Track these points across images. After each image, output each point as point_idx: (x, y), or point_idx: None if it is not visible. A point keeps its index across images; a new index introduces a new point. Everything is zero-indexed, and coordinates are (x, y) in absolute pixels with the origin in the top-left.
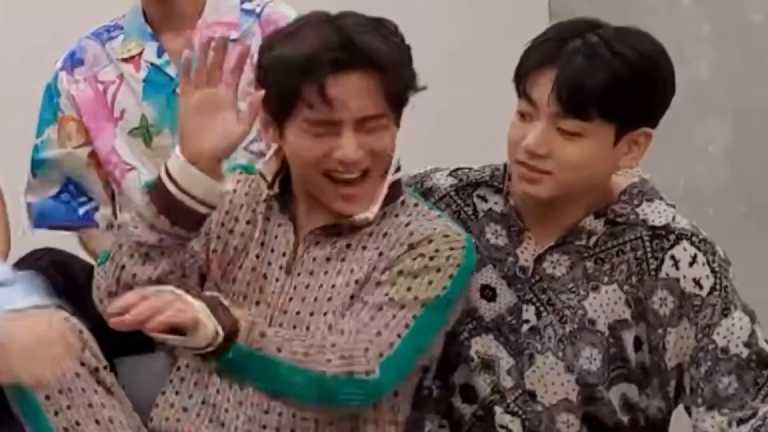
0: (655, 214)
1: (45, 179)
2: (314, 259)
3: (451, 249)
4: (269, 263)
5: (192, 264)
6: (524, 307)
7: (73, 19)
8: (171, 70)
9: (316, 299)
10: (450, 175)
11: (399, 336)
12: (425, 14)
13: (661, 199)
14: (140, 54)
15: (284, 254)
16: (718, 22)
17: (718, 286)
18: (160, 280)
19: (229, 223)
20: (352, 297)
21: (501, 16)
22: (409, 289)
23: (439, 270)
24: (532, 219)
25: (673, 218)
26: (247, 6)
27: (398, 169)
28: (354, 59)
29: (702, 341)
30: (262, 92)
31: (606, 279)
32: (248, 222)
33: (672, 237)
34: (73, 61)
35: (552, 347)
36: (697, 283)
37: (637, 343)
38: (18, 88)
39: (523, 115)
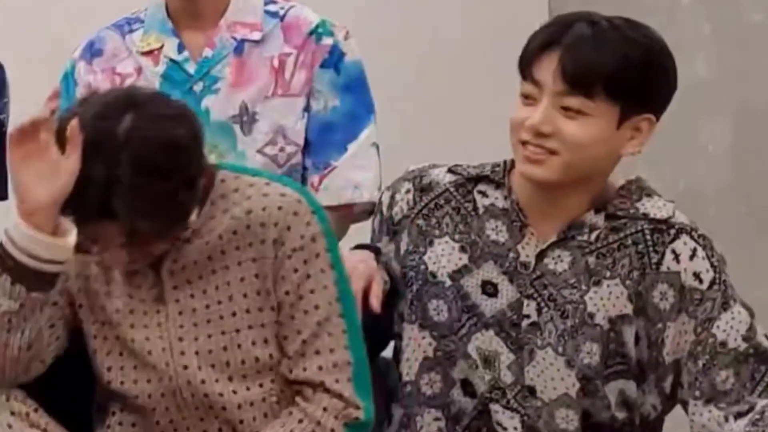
0: (656, 208)
1: None
2: (188, 282)
3: (308, 225)
4: (142, 300)
5: (58, 317)
6: (525, 302)
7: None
8: (190, 67)
9: (209, 321)
10: (449, 171)
11: (347, 347)
12: (425, 15)
13: (659, 195)
14: (160, 49)
15: (151, 285)
16: (718, 22)
17: (717, 281)
18: (30, 347)
19: (86, 270)
20: (248, 311)
21: (501, 16)
22: (312, 291)
23: (318, 255)
24: (533, 214)
25: (674, 212)
26: (271, 8)
27: None
28: (102, 220)
29: (701, 335)
30: (75, 120)
31: (608, 274)
32: (99, 263)
33: (672, 231)
34: (92, 52)
35: (552, 343)
36: (697, 276)
37: (636, 338)
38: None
39: (526, 97)
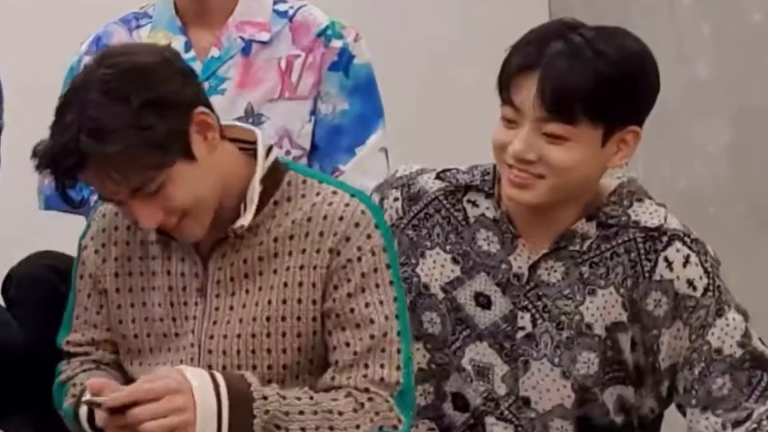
0: (647, 215)
1: None
2: (231, 279)
3: (369, 237)
4: (184, 288)
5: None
6: (519, 314)
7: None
8: (196, 66)
9: (241, 320)
10: (437, 177)
11: (398, 368)
12: (425, 15)
13: (651, 198)
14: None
15: (196, 275)
16: (718, 22)
17: (711, 287)
18: None
19: (127, 266)
20: (283, 318)
21: (501, 16)
22: (367, 305)
23: (376, 270)
24: (524, 225)
25: (665, 219)
26: (280, 7)
27: (269, 150)
28: (82, 164)
29: (696, 342)
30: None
31: (602, 283)
32: (141, 258)
33: (665, 238)
34: (99, 47)
35: (548, 354)
36: (690, 284)
37: (632, 344)
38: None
39: (508, 121)
